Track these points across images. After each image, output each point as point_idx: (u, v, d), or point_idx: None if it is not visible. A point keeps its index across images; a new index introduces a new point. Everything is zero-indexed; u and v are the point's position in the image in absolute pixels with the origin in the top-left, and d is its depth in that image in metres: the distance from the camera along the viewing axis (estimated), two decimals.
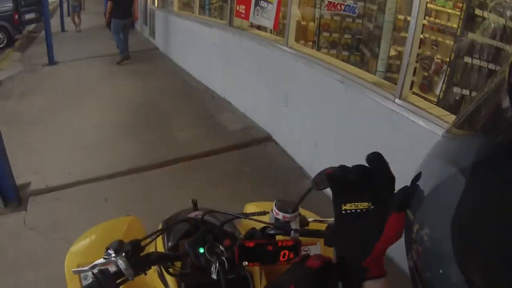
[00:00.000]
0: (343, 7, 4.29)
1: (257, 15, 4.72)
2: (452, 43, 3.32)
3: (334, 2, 4.03)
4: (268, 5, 4.48)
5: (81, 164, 4.12)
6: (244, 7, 5.05)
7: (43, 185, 3.79)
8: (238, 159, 4.04)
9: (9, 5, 13.36)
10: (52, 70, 8.66)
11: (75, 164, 4.12)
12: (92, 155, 4.30)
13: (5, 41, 13.43)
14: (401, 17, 4.06)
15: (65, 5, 16.58)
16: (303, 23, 4.80)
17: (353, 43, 4.81)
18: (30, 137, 4.98)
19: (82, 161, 4.18)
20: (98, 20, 16.19)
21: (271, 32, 4.83)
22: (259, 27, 5.10)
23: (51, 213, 3.45)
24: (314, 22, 4.66)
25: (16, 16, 13.49)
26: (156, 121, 5.14)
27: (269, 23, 4.55)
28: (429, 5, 3.12)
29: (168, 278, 1.13)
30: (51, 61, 9.02)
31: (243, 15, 5.11)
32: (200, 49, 6.63)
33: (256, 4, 4.70)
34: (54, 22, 16.36)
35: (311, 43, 4.93)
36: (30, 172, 4.01)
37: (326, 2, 3.90)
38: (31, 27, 15.51)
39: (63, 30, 14.66)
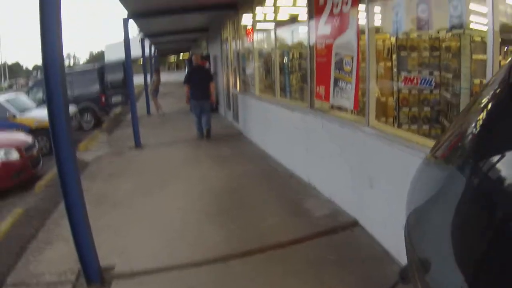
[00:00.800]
0: (419, 80, 4.16)
1: (337, 95, 4.72)
2: None
3: (410, 77, 3.93)
4: (347, 85, 4.47)
5: (166, 248, 4.16)
6: (323, 88, 5.09)
7: (127, 268, 3.85)
8: (324, 246, 3.83)
9: (97, 87, 14.83)
10: (138, 153, 9.24)
11: (160, 249, 4.17)
12: (177, 240, 4.35)
13: (93, 123, 14.78)
14: (477, 81, 3.83)
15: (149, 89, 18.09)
16: (382, 99, 4.71)
17: (433, 115, 4.59)
18: (116, 219, 5.18)
19: (167, 246, 4.22)
20: (183, 104, 17.45)
21: (351, 112, 4.76)
22: (339, 108, 5.06)
23: None
24: (393, 97, 4.54)
25: (103, 98, 14.92)
26: (240, 207, 5.13)
27: (349, 104, 4.52)
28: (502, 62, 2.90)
29: None
30: (137, 144, 9.66)
31: (323, 97, 5.14)
32: (282, 133, 6.70)
33: (335, 84, 4.72)
34: (140, 105, 17.90)
35: (391, 119, 4.77)
36: (115, 254, 4.11)
37: (403, 77, 3.81)
38: (117, 109, 16.75)
39: (148, 113, 15.77)
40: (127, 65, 10.07)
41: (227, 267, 3.72)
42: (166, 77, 38.74)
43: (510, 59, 1.24)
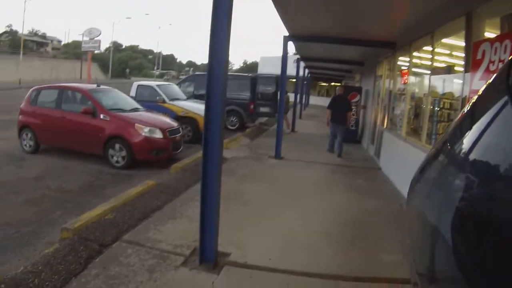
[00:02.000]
0: None
1: None
2: None
3: None
4: None
5: (283, 254, 4.50)
6: None
7: (242, 260, 4.25)
8: None
9: (247, 94, 16.09)
10: (276, 163, 9.89)
11: (277, 253, 4.52)
12: (294, 250, 4.68)
13: (237, 125, 16.04)
14: None
15: (298, 107, 18.83)
16: None
17: None
18: (242, 217, 5.66)
19: (284, 253, 4.56)
20: (321, 128, 17.84)
21: None
22: None
23: (240, 287, 3.78)
24: None
25: (252, 106, 16.15)
26: (363, 238, 5.31)
27: None
28: None
29: None
30: (277, 155, 10.34)
31: None
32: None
33: None
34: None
35: None
36: (233, 246, 4.54)
37: None
38: (263, 119, 18.18)
39: (293, 130, 16.62)
40: (282, 80, 10.98)
41: (337, 286, 3.97)
42: (315, 100, 40.02)
43: (510, 59, 1.23)
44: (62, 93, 9.53)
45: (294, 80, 26.91)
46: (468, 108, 1.40)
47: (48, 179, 7.66)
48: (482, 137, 1.10)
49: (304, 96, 28.57)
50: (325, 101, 36.78)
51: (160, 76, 73.00)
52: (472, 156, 1.12)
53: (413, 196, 1.64)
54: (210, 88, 3.87)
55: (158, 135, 8.90)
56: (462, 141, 1.24)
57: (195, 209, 5.55)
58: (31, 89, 10.21)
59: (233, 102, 15.92)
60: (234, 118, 16.31)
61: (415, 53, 8.40)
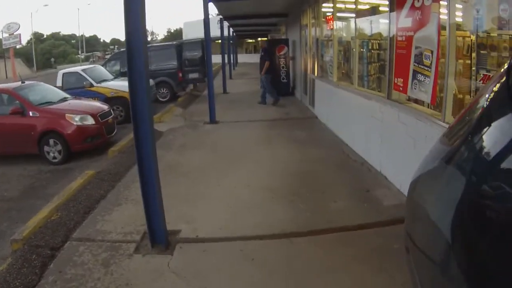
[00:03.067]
0: None
1: (415, 88, 4.74)
2: None
3: (489, 76, 3.89)
4: (425, 78, 4.49)
5: (232, 221, 4.42)
6: (402, 80, 5.12)
7: (193, 235, 4.16)
8: (389, 235, 3.95)
9: (174, 63, 15.64)
10: (212, 128, 9.71)
11: (226, 221, 4.43)
12: (243, 214, 4.59)
13: (168, 96, 15.69)
14: None
15: (227, 68, 18.55)
16: (459, 96, 4.68)
17: None
18: (186, 189, 5.52)
19: (233, 219, 4.48)
20: (252, 86, 17.71)
21: (428, 106, 4.76)
22: (416, 101, 5.05)
23: (196, 263, 3.67)
24: (470, 95, 4.52)
25: (180, 74, 15.74)
26: (310, 189, 5.28)
27: (426, 97, 4.53)
28: None
29: None
30: (212, 120, 10.16)
31: (401, 88, 5.17)
32: (358, 121, 6.76)
33: (414, 77, 4.74)
34: (216, 84, 18.54)
35: None
36: (182, 221, 4.43)
37: (482, 75, 3.79)
38: (193, 86, 17.87)
39: (224, 91, 16.42)
40: (206, 44, 10.47)
41: (292, 243, 3.93)
42: (244, 58, 39.68)
43: (510, 60, 1.24)
44: None
45: (220, 41, 26.49)
46: (469, 108, 1.42)
47: None
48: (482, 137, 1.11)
49: (232, 56, 27.97)
50: (253, 58, 36.87)
51: (86, 60, 69.31)
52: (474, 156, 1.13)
53: (418, 198, 1.53)
54: (131, 62, 3.56)
55: (90, 121, 8.41)
56: (463, 140, 1.25)
57: (139, 190, 5.28)
58: None
59: (161, 73, 15.39)
60: (164, 90, 15.76)
61: None
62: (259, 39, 37.48)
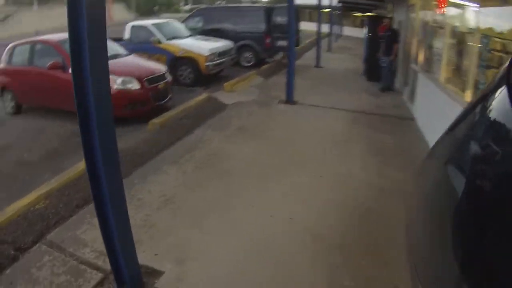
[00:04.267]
0: None
1: None
2: None
3: None
4: None
5: (236, 279, 3.19)
6: None
7: (175, 286, 3.07)
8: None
9: (262, 27, 14.30)
10: (284, 110, 8.46)
11: (227, 276, 3.21)
12: (255, 271, 3.27)
13: (253, 62, 14.52)
14: None
15: (323, 44, 16.98)
16: None
17: None
18: (207, 201, 4.47)
19: (239, 275, 3.22)
20: (351, 62, 15.82)
21: None
22: None
23: None
24: None
25: (268, 40, 14.38)
26: (369, 248, 3.71)
27: None
28: None
29: None
30: (289, 99, 8.96)
31: None
32: None
33: None
34: (310, 56, 16.97)
35: None
36: (172, 256, 3.42)
37: None
38: (284, 54, 16.03)
39: (317, 65, 14.93)
40: (290, 7, 9.00)
41: None
42: (349, 32, 37.06)
43: (510, 59, 1.20)
44: (33, 47, 8.55)
45: (327, 10, 24.66)
46: (469, 108, 1.38)
47: (14, 148, 6.86)
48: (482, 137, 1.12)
49: (334, 27, 25.84)
50: (359, 33, 34.25)
51: (191, 11, 69.84)
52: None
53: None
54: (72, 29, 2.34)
55: (135, 85, 7.68)
56: (462, 140, 1.26)
57: (155, 186, 4.40)
58: (7, 47, 9.21)
59: (246, 36, 14.28)
60: (249, 54, 14.63)
61: None
62: (368, 14, 34.87)
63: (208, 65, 10.67)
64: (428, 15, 8.27)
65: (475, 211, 0.96)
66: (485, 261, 0.88)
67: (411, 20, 10.51)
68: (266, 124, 7.38)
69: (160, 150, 5.94)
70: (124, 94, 7.50)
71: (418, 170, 1.58)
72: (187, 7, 74.21)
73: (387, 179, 5.29)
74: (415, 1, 9.68)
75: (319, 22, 16.16)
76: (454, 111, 5.95)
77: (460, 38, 6.12)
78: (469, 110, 1.34)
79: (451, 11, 6.60)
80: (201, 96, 8.81)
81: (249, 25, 14.27)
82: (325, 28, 22.15)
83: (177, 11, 69.71)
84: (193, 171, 5.12)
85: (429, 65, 8.06)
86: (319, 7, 16.55)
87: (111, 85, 7.05)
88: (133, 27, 11.72)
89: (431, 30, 7.90)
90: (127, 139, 6.40)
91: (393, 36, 10.92)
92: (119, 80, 7.51)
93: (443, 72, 6.81)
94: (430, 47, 7.98)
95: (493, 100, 1.15)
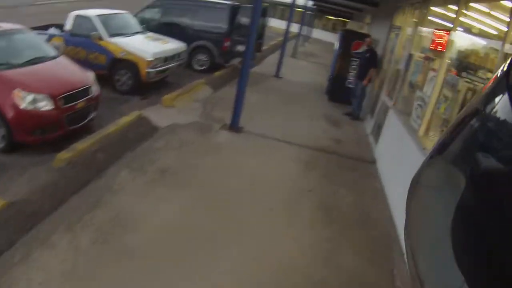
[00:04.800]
0: None
1: None
2: None
3: None
4: None
5: None
6: None
7: None
8: None
9: (223, 27, 12.32)
10: (225, 141, 6.74)
11: None
12: None
13: (207, 65, 12.45)
14: None
15: (289, 47, 15.49)
16: None
17: None
18: None
19: None
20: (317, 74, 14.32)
21: None
22: None
23: None
24: None
25: (227, 43, 12.36)
26: None
27: None
28: None
29: None
30: (234, 125, 7.27)
31: None
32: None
33: None
34: (271, 62, 15.19)
35: None
36: None
37: None
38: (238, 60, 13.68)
39: (277, 75, 13.27)
40: (255, 8, 7.14)
41: None
42: (319, 34, 35.64)
43: (510, 59, 1.20)
44: None
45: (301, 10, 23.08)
46: (468, 109, 1.37)
47: None
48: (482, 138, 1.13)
49: (303, 28, 24.11)
50: (329, 37, 32.98)
51: None
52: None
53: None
54: None
55: (47, 105, 5.58)
56: (462, 141, 1.25)
57: (37, 272, 3.23)
58: None
59: (203, 36, 12.25)
60: (203, 57, 12.52)
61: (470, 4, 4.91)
62: (341, 19, 33.61)
63: (149, 72, 8.59)
64: (417, 45, 6.77)
65: (478, 212, 0.95)
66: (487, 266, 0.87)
67: (392, 43, 9.05)
68: (199, 164, 5.68)
69: (58, 204, 4.15)
70: (32, 116, 5.48)
71: (418, 171, 1.47)
72: None
73: (336, 271, 3.86)
74: (403, 23, 8.17)
75: (288, 26, 14.47)
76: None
77: (462, 89, 4.60)
78: (468, 113, 1.30)
79: (454, 46, 5.08)
80: (129, 116, 6.66)
81: (210, 24, 12.30)
82: (294, 27, 20.53)
83: None
84: (89, 246, 3.43)
85: (406, 106, 6.59)
86: (292, 5, 14.88)
87: (17, 103, 5.25)
88: (77, 16, 9.40)
89: (418, 66, 6.39)
90: (21, 184, 4.50)
91: (372, 59, 9.41)
92: (29, 97, 5.46)
93: (424, 123, 5.32)
94: (412, 86, 6.48)
95: (494, 102, 1.11)
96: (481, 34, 4.73)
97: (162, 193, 4.71)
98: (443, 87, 4.77)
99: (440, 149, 1.40)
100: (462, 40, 4.94)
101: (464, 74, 4.69)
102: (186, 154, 5.94)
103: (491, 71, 4.13)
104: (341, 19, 33.21)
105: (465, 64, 4.81)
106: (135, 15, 11.70)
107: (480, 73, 4.43)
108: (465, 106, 1.44)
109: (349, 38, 11.06)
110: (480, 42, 4.64)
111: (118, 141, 5.94)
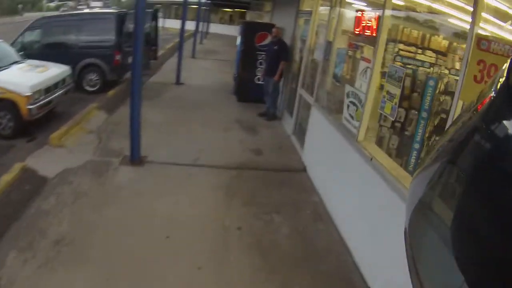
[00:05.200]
0: None
1: None
2: None
3: None
4: None
5: None
6: None
7: None
8: None
9: (111, 40, 10.69)
10: (125, 184, 5.29)
11: None
12: None
13: (99, 85, 10.77)
14: None
15: (187, 47, 14.23)
16: None
17: None
18: None
19: None
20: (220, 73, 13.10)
21: None
22: None
23: None
24: None
25: (118, 56, 10.72)
26: None
27: None
28: None
29: None
30: (134, 157, 5.89)
31: None
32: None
33: None
34: (169, 67, 13.77)
35: None
36: None
37: None
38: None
39: (178, 82, 12.02)
40: (137, 11, 5.68)
41: None
42: (216, 28, 34.45)
43: (509, 60, 1.11)
44: None
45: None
46: (468, 110, 1.30)
47: None
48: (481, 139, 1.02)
49: (199, 25, 22.76)
50: (228, 30, 32.00)
51: (57, 9, 60.21)
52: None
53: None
54: None
55: None
56: (461, 143, 1.14)
57: None
58: None
59: (91, 53, 10.49)
60: (94, 76, 10.72)
61: None
62: (238, 10, 32.81)
63: (30, 109, 6.74)
64: (335, 30, 5.80)
65: (479, 212, 0.90)
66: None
67: (301, 30, 8.11)
68: (98, 222, 4.21)
69: None
70: None
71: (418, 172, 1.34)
72: (53, 3, 63.82)
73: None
74: (312, 7, 7.20)
75: (183, 25, 13.03)
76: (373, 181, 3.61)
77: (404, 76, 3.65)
78: (467, 116, 1.23)
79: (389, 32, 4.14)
80: (11, 172, 4.91)
81: (97, 37, 10.62)
82: (191, 25, 19.14)
83: (41, 9, 59.65)
84: None
85: (332, 103, 5.65)
86: (185, 2, 13.46)
87: None
88: None
89: (341, 55, 5.42)
90: None
91: (281, 51, 8.40)
92: None
93: (363, 125, 4.37)
94: (338, 79, 5.51)
95: (494, 103, 1.04)
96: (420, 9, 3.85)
97: (61, 279, 3.30)
98: (387, 82, 3.79)
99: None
100: (397, 20, 4.02)
101: (404, 60, 3.83)
102: (82, 211, 4.45)
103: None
104: (238, 10, 32.47)
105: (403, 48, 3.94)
106: (13, 42, 9.93)
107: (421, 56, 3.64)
108: (452, 124, 1.38)
109: (251, 31, 10.00)
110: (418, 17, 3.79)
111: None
